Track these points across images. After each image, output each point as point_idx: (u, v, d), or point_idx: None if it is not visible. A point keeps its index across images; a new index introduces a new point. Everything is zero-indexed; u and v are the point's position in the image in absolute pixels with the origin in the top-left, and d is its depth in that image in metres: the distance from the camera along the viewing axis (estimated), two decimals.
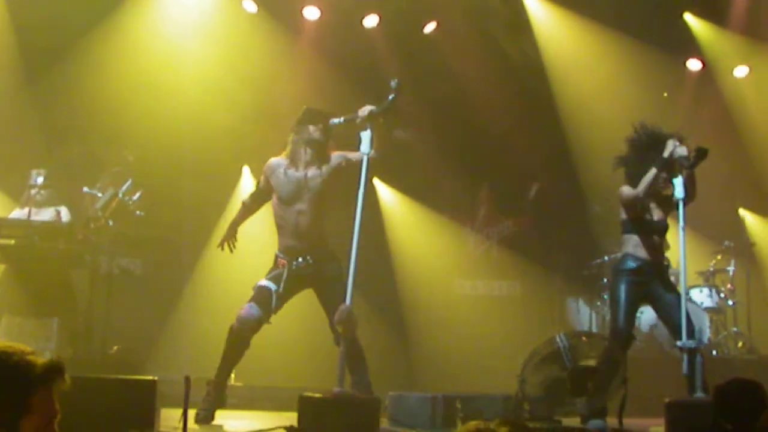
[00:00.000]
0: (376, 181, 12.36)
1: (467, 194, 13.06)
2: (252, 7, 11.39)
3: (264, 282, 7.09)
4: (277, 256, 7.26)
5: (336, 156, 7.26)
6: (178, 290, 10.71)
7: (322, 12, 11.53)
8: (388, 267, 12.14)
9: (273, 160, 7.34)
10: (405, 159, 12.11)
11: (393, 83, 6.58)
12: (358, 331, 6.75)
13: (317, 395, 6.52)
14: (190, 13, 11.18)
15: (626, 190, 7.51)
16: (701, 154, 7.24)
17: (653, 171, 7.35)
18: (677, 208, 7.33)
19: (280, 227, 7.28)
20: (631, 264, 7.50)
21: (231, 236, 7.42)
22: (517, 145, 12.34)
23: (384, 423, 6.94)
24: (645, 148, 7.58)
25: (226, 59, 11.37)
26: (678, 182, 7.34)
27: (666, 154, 7.35)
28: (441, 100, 12.40)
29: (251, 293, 7.10)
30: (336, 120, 6.98)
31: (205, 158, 10.99)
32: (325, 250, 7.31)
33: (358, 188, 6.44)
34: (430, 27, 12.12)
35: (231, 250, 7.44)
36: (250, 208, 7.55)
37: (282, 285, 7.06)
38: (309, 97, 10.94)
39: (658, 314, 7.75)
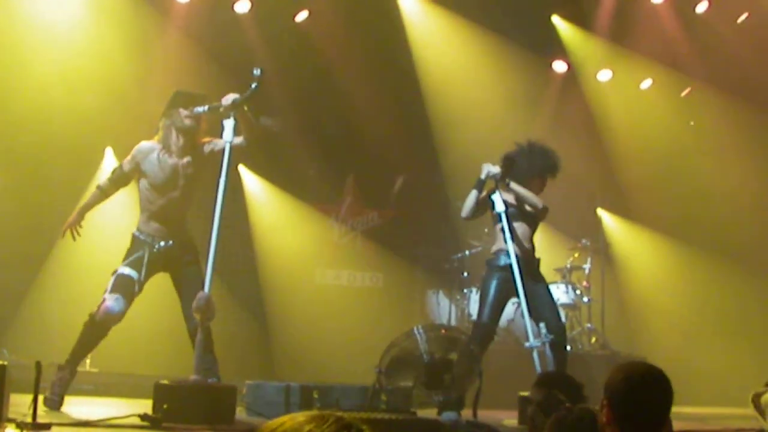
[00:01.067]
0: (241, 168, 12.26)
1: (332, 184, 13.06)
2: None
3: (125, 270, 6.92)
4: (135, 237, 7.09)
5: (207, 143, 7.17)
6: (33, 272, 10.42)
7: None
8: (251, 255, 12.04)
9: (144, 144, 7.18)
10: (270, 147, 12.05)
11: (256, 71, 6.63)
12: (216, 319, 6.74)
13: (173, 382, 6.47)
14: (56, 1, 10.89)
15: (502, 197, 7.76)
16: (506, 163, 7.59)
17: (472, 193, 7.73)
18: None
19: (147, 210, 7.13)
20: (504, 260, 7.64)
21: (77, 222, 7.11)
22: (383, 137, 12.40)
23: (241, 412, 6.92)
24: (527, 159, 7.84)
25: (93, 40, 11.09)
26: (496, 198, 7.65)
27: (482, 176, 7.62)
28: (309, 89, 12.37)
29: (109, 279, 6.93)
30: (200, 108, 6.95)
31: (71, 140, 10.70)
32: (185, 237, 7.24)
33: (219, 175, 6.48)
34: (302, 15, 12.06)
35: (74, 238, 7.14)
36: (106, 192, 7.26)
37: (143, 270, 6.93)
38: (177, 81, 10.83)
39: (526, 308, 7.93)
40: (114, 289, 6.85)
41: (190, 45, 11.37)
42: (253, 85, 6.64)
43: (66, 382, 6.83)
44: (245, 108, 6.76)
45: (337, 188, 13.08)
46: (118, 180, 7.25)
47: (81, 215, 7.14)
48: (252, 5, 11.66)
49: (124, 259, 7.00)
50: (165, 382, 6.50)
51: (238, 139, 6.80)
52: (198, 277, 6.94)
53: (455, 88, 12.57)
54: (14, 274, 10.26)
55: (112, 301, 6.80)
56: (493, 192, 7.65)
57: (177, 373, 7.00)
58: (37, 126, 10.50)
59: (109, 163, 11.51)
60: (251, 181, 12.55)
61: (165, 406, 6.09)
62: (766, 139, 12.38)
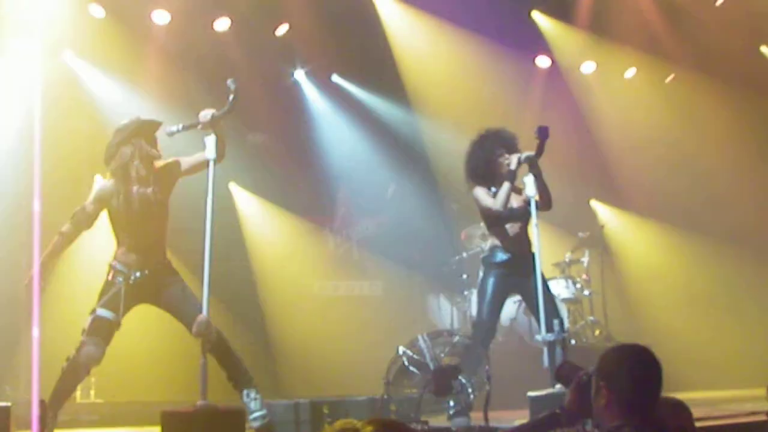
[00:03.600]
0: (232, 185, 12.21)
1: (325, 195, 13.02)
2: (99, 13, 11.03)
3: (101, 311, 6.78)
4: (112, 266, 6.93)
5: (170, 163, 7.03)
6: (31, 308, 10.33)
7: (171, 16, 11.26)
8: (248, 272, 12.00)
9: (105, 181, 7.01)
10: (260, 163, 12.01)
11: (230, 83, 6.47)
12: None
13: (180, 410, 6.41)
14: (36, 19, 10.80)
15: (482, 197, 7.63)
16: (542, 132, 7.37)
17: (507, 185, 7.49)
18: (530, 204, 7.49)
19: (123, 243, 6.98)
20: (500, 257, 7.60)
21: (41, 275, 6.76)
22: (372, 144, 12.41)
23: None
24: (484, 151, 7.72)
25: (75, 66, 11.06)
26: (528, 180, 7.48)
27: (513, 166, 7.50)
28: (294, 102, 12.34)
29: (88, 319, 6.79)
30: (174, 128, 6.80)
31: (55, 166, 10.63)
32: (163, 263, 7.08)
33: (206, 195, 6.34)
34: (282, 29, 12.01)
35: (41, 288, 6.77)
36: (70, 237, 6.99)
37: (121, 307, 6.78)
38: (160, 103, 10.79)
39: (527, 305, 7.88)
40: (91, 332, 6.74)
41: (172, 66, 11.32)
42: (230, 98, 6.50)
43: (47, 424, 6.70)
44: (221, 123, 6.67)
45: (330, 199, 13.04)
46: (82, 222, 6.99)
47: (44, 266, 6.84)
48: (232, 22, 11.61)
49: (101, 295, 6.86)
50: (172, 409, 6.43)
51: (211, 155, 6.67)
52: (184, 294, 6.87)
53: (441, 91, 12.56)
54: (12, 309, 10.17)
55: (92, 346, 6.70)
56: (527, 174, 7.48)
57: (184, 397, 6.91)
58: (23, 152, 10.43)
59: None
60: (243, 198, 12.51)
61: None
62: (751, 121, 12.41)
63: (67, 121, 10.74)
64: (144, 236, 6.96)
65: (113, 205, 6.93)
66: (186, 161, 7.01)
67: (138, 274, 6.89)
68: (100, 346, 6.74)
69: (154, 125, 7.03)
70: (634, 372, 3.53)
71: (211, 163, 6.47)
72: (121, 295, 6.79)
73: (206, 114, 6.55)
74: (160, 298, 7.01)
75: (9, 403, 5.43)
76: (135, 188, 6.92)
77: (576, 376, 3.93)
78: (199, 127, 6.60)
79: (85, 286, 7.29)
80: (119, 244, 7.02)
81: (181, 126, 6.75)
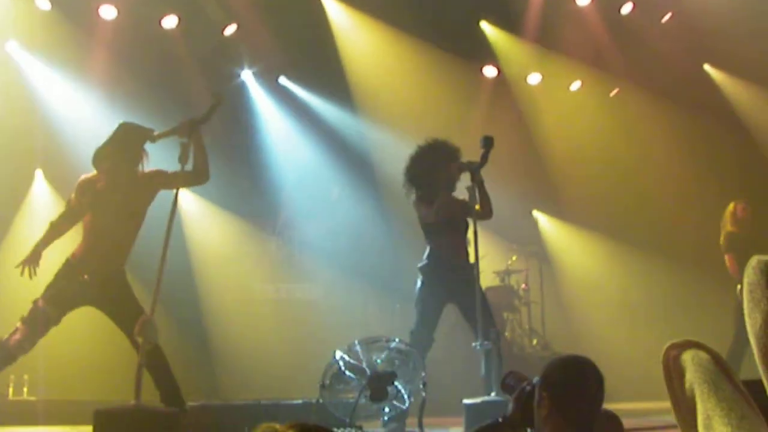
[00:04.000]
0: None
1: (268, 198, 12.98)
2: (45, 5, 10.93)
3: (41, 303, 6.84)
4: (68, 261, 7.01)
5: (152, 173, 7.12)
6: None
7: (119, 11, 11.19)
8: (188, 273, 11.92)
9: (86, 177, 7.13)
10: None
11: (215, 93, 6.81)
12: (158, 341, 6.69)
13: (113, 408, 6.38)
14: None
15: (422, 206, 7.63)
16: (487, 142, 7.36)
17: (445, 194, 7.52)
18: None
19: (88, 242, 7.04)
20: (436, 265, 7.61)
21: (35, 260, 7.01)
22: (318, 147, 12.41)
23: None
24: (428, 164, 7.72)
25: (19, 58, 10.94)
26: (470, 189, 7.47)
27: (455, 174, 7.54)
28: (238, 102, 12.30)
29: (29, 308, 6.86)
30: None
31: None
32: (118, 272, 7.12)
33: (173, 200, 6.54)
34: (230, 29, 11.97)
35: (30, 276, 7.00)
36: (59, 229, 7.16)
37: (63, 305, 6.87)
38: (105, 99, 10.72)
39: (462, 314, 7.88)
40: (27, 321, 6.81)
41: (118, 63, 11.25)
42: (210, 107, 6.69)
43: None
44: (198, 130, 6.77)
45: (272, 202, 12.99)
46: (70, 216, 7.16)
47: (37, 253, 7.03)
48: (180, 20, 11.55)
49: (48, 288, 6.91)
50: (105, 408, 6.40)
51: (188, 167, 6.76)
52: (128, 305, 6.92)
53: (386, 97, 12.60)
54: None
55: (21, 335, 6.77)
56: (467, 184, 7.47)
57: (118, 397, 6.88)
58: None
59: (39, 186, 11.35)
60: (185, 197, 12.42)
61: None
62: (693, 136, 12.58)
63: (7, 112, 10.65)
64: (108, 240, 7.01)
65: (90, 203, 7.02)
66: (168, 174, 7.07)
67: (87, 276, 6.93)
68: (30, 338, 6.79)
69: (144, 132, 7.09)
70: (577, 383, 3.54)
71: (181, 167, 6.63)
72: (66, 293, 6.86)
73: (185, 121, 6.68)
74: (105, 304, 7.05)
75: None
76: (113, 191, 7.03)
77: (521, 385, 3.97)
78: (179, 132, 6.70)
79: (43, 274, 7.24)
80: (83, 240, 7.07)
81: (156, 132, 6.90)
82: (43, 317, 6.82)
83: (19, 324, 6.81)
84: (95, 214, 7.04)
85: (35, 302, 6.86)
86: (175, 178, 6.89)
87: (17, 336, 6.77)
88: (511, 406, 4.03)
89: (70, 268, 6.96)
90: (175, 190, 6.67)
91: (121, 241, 7.08)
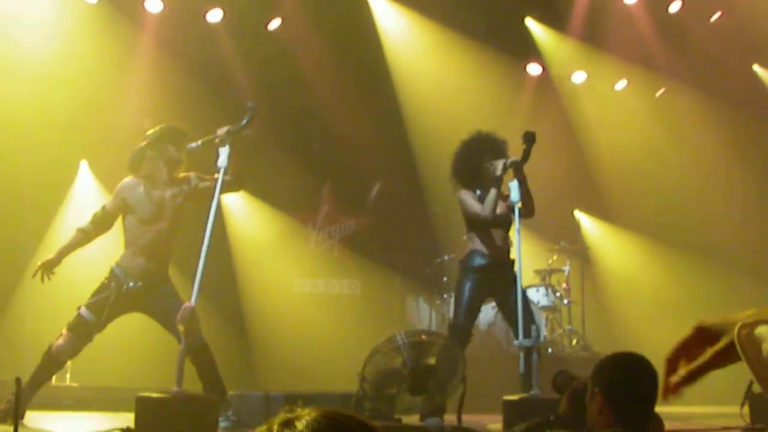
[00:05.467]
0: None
1: (309, 192, 13.06)
2: None
3: (86, 312, 6.99)
4: (112, 270, 7.15)
5: (194, 177, 7.29)
6: (10, 287, 10.35)
7: (164, 5, 11.34)
8: (229, 266, 12.03)
9: (128, 180, 7.26)
10: (245, 157, 12.01)
11: (249, 105, 6.77)
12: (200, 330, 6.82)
13: (154, 395, 6.47)
14: (27, 6, 10.84)
15: (469, 201, 7.65)
16: (529, 138, 7.38)
17: (494, 192, 7.51)
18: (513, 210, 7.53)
19: (133, 245, 7.18)
20: (478, 261, 7.62)
21: (53, 264, 7.11)
22: (359, 144, 12.43)
23: (223, 422, 6.93)
24: (473, 155, 7.76)
25: (66, 51, 11.08)
26: (513, 186, 7.51)
27: (498, 172, 7.54)
28: (283, 97, 12.37)
29: (74, 314, 7.02)
30: (193, 144, 6.99)
31: (44, 153, 10.66)
32: (163, 272, 7.29)
33: (212, 198, 6.60)
34: (274, 23, 12.08)
35: (42, 280, 7.11)
36: (89, 234, 7.26)
37: (105, 313, 6.99)
38: (152, 92, 10.84)
39: (501, 311, 7.92)
40: (71, 328, 6.97)
41: (163, 55, 11.38)
42: (246, 118, 6.76)
43: (21, 403, 6.80)
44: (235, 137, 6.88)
45: (313, 197, 13.08)
46: (101, 222, 7.27)
47: (60, 258, 7.15)
48: (224, 14, 11.68)
49: (93, 295, 7.07)
50: (146, 394, 6.50)
51: (223, 164, 6.88)
52: (174, 305, 6.95)
53: (431, 94, 12.62)
54: None
55: (64, 341, 6.94)
56: (511, 180, 7.49)
57: (158, 384, 6.98)
58: (9, 139, 10.45)
59: (84, 177, 11.48)
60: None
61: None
62: (740, 136, 12.49)
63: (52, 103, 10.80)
64: (154, 239, 7.16)
65: (130, 204, 7.16)
66: (203, 177, 7.28)
67: (132, 284, 7.08)
68: (74, 344, 6.97)
69: (182, 133, 7.28)
70: (630, 380, 3.52)
71: (222, 171, 6.66)
72: (110, 301, 7.00)
73: (223, 129, 6.74)
74: (149, 310, 7.23)
75: None
76: (154, 190, 7.19)
77: (572, 384, 3.99)
78: (216, 141, 6.79)
79: (84, 281, 7.40)
80: (127, 246, 7.22)
81: (200, 142, 6.95)
82: (84, 324, 6.99)
83: (64, 330, 6.98)
84: (136, 220, 7.18)
85: (79, 309, 7.03)
86: (213, 184, 6.94)
87: (61, 342, 6.96)
88: (562, 403, 4.06)
89: (113, 276, 7.10)
90: (218, 188, 6.77)
91: (163, 246, 7.23)
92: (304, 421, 1.63)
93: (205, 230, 6.52)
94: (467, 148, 7.80)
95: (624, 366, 3.63)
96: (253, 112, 6.75)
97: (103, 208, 7.32)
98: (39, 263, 7.16)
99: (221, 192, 6.87)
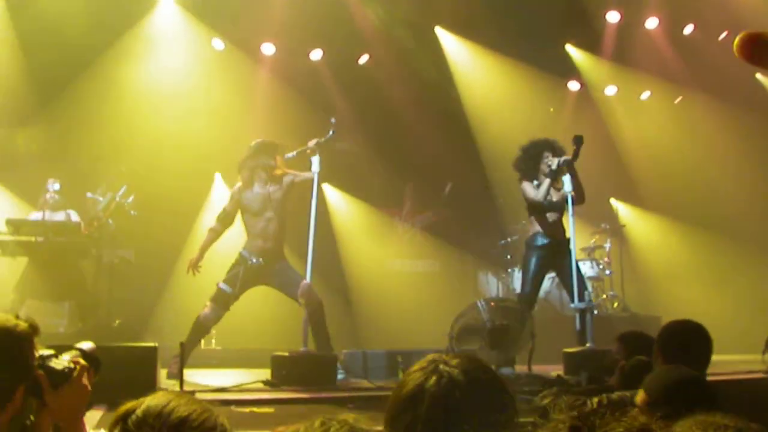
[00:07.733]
0: (324, 185, 12.34)
1: (395, 192, 13.08)
2: (220, 46, 11.32)
3: (222, 285, 7.28)
4: (240, 253, 7.41)
5: (288, 175, 7.49)
6: (166, 273, 10.54)
7: (276, 48, 11.49)
8: (336, 251, 12.16)
9: (238, 184, 7.58)
10: (345, 164, 12.11)
11: (333, 120, 7.02)
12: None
13: (285, 354, 6.57)
14: (173, 55, 11.09)
15: (528, 189, 7.69)
16: (578, 140, 7.41)
17: (548, 181, 7.58)
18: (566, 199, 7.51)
19: (250, 233, 7.47)
20: (541, 240, 7.65)
21: (198, 260, 7.46)
22: (435, 151, 12.42)
23: (340, 374, 6.99)
24: (532, 154, 7.78)
25: (202, 87, 11.30)
26: (566, 179, 7.51)
27: (554, 166, 7.55)
28: (373, 117, 12.40)
29: (215, 288, 7.33)
30: (290, 154, 7.24)
31: (183, 168, 10.85)
32: (278, 251, 7.50)
33: (311, 197, 6.96)
34: (363, 59, 12.13)
35: (194, 273, 7.45)
36: (217, 231, 7.57)
37: (238, 285, 7.26)
38: (268, 119, 10.94)
39: (561, 281, 7.93)
40: (213, 299, 7.29)
41: (278, 86, 11.52)
42: (331, 131, 6.99)
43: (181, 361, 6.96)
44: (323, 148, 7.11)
45: (399, 195, 13.09)
46: (225, 220, 7.57)
47: (201, 254, 7.50)
48: (324, 53, 11.78)
49: (227, 272, 7.37)
50: (279, 353, 6.60)
51: (316, 170, 7.08)
52: (291, 276, 7.31)
53: (491, 108, 12.55)
54: (151, 273, 10.42)
55: (209, 310, 7.27)
56: (564, 173, 7.51)
57: (288, 346, 7.07)
58: (159, 160, 10.65)
59: (219, 187, 11.64)
60: (330, 192, 12.67)
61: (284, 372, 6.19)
62: (744, 133, 12.23)
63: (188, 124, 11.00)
64: (264, 226, 7.40)
65: (242, 202, 7.47)
66: (297, 174, 7.49)
67: (254, 260, 7.31)
68: (216, 311, 7.26)
69: (273, 145, 7.53)
70: (689, 343, 3.50)
71: (316, 177, 6.99)
72: (240, 275, 7.26)
73: (312, 142, 7.06)
74: (271, 281, 7.46)
75: (156, 344, 5.57)
76: (257, 188, 7.46)
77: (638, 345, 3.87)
78: (308, 152, 7.04)
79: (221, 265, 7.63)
80: (248, 234, 7.51)
81: (295, 152, 7.20)
82: (223, 295, 7.26)
83: (208, 302, 7.30)
84: (248, 214, 7.47)
85: (218, 284, 7.30)
86: (306, 178, 7.30)
87: (206, 311, 7.26)
88: (614, 377, 3.95)
89: (241, 257, 7.39)
90: (315, 191, 7.00)
91: (274, 230, 7.43)
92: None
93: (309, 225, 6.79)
94: (530, 146, 7.87)
95: (684, 331, 3.58)
96: (337, 127, 6.99)
97: (224, 209, 7.61)
98: (187, 262, 7.52)
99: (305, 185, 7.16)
